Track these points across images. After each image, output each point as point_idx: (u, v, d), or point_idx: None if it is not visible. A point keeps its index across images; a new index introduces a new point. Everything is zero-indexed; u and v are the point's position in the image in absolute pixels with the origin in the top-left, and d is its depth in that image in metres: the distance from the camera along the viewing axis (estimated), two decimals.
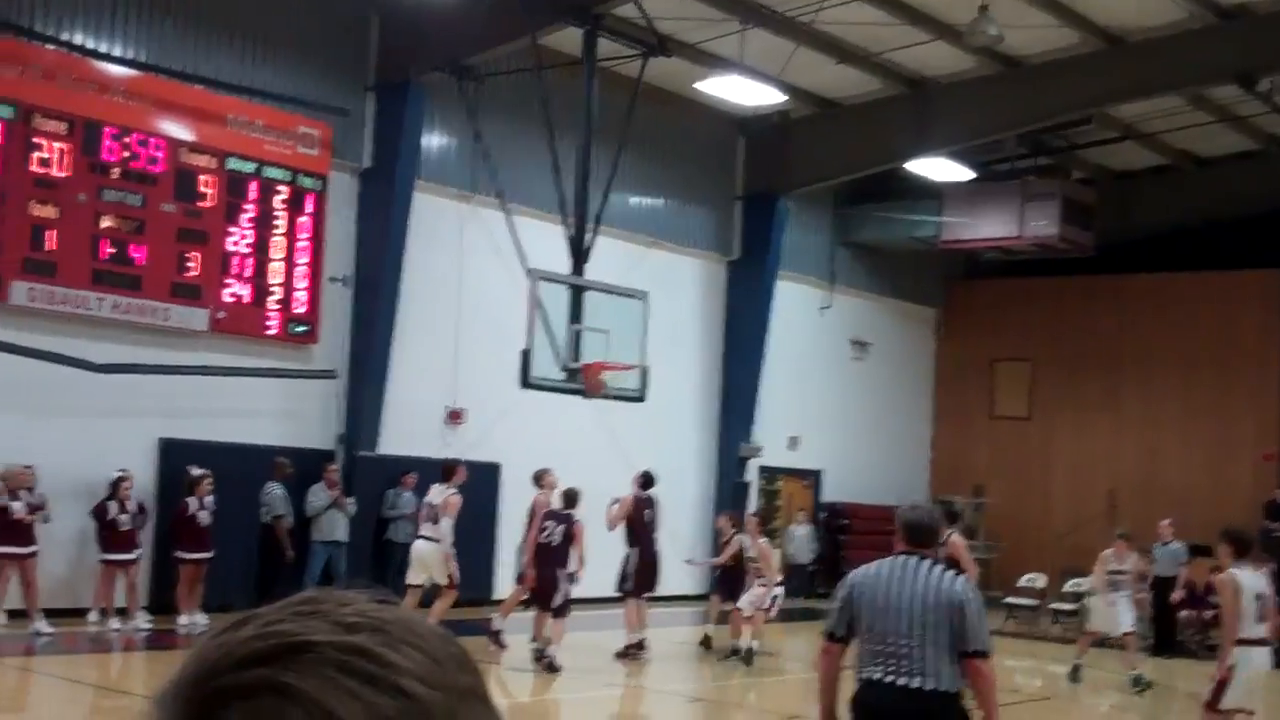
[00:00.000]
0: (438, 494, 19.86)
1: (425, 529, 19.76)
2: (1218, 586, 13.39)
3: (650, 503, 21.04)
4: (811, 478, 33.70)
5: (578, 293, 21.59)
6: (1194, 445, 33.63)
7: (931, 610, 7.94)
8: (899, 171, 30.65)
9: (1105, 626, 21.13)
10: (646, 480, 21.12)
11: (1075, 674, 21.09)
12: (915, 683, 7.94)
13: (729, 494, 29.27)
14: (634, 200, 28.47)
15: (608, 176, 22.85)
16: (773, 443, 31.46)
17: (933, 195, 32.25)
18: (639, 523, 20.88)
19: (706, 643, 21.89)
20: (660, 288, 24.62)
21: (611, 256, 25.14)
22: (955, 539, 18.52)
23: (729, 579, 22.11)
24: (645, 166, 28.02)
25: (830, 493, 33.77)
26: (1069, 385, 35.37)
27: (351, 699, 1.02)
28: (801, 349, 32.44)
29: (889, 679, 8.02)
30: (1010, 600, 27.82)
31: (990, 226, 32.00)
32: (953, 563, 17.90)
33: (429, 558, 19.59)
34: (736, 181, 30.91)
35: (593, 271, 22.29)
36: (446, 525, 19.43)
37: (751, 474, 31.34)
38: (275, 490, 22.03)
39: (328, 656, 1.04)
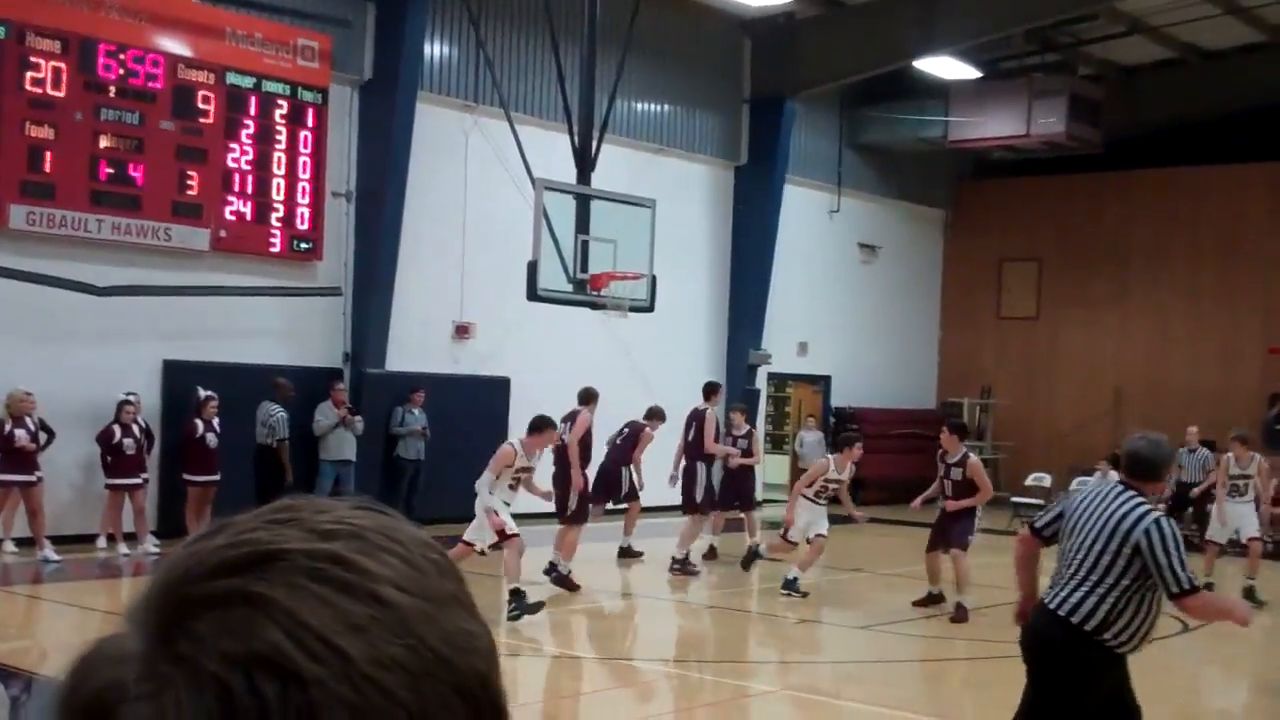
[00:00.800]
0: None
1: None
2: None
3: (699, 416, 21.18)
4: (821, 383, 33.61)
5: (584, 202, 21.21)
6: (1201, 340, 33.52)
7: (1102, 541, 7.79)
8: (906, 71, 30.28)
9: (1223, 536, 20.49)
10: (703, 391, 21.45)
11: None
12: (1061, 608, 7.85)
13: (740, 402, 29.10)
14: (640, 107, 28.10)
15: (613, 83, 22.42)
16: (782, 349, 31.33)
17: (940, 95, 31.97)
18: (684, 437, 21.30)
19: (712, 554, 21.77)
20: (667, 195, 24.24)
21: (618, 165, 24.73)
22: (974, 460, 18.05)
23: (732, 486, 21.95)
24: (650, 72, 27.63)
25: (840, 397, 33.65)
26: (1077, 284, 35.18)
27: (324, 606, 0.98)
28: (810, 254, 32.20)
29: (1048, 597, 7.98)
30: (1017, 500, 27.62)
31: (998, 125, 31.74)
32: (972, 486, 17.53)
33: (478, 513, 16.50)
34: (743, 85, 30.48)
35: (599, 180, 21.90)
36: (484, 479, 16.39)
37: (761, 381, 31.22)
38: (278, 412, 21.71)
39: (300, 565, 1.00)
